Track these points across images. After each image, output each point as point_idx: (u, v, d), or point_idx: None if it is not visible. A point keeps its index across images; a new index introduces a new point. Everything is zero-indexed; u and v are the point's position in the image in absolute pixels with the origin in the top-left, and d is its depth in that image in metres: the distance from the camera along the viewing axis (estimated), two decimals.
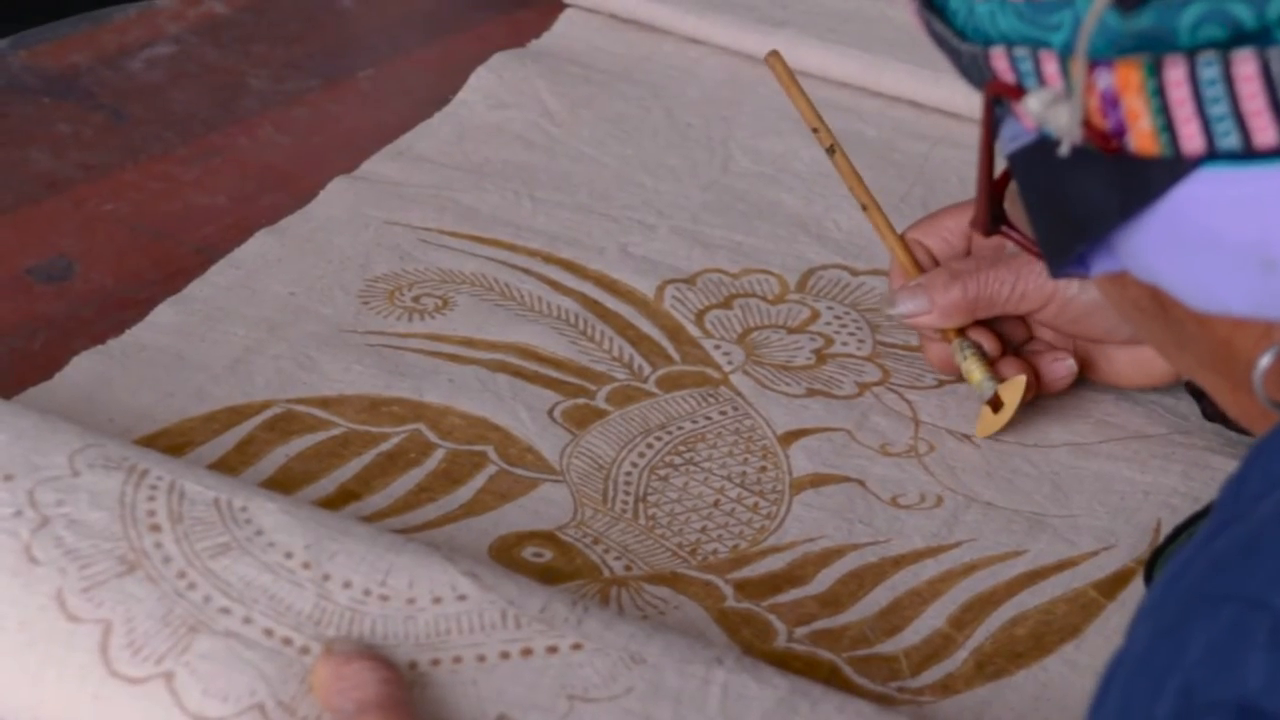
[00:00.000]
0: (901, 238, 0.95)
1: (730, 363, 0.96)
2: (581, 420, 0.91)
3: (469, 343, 0.95)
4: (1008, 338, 0.94)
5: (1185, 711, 0.52)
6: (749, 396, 0.94)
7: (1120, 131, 0.55)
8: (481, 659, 0.72)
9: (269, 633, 0.71)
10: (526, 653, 0.72)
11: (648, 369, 0.95)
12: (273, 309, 0.96)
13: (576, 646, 0.73)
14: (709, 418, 0.92)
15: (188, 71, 1.17)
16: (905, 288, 0.93)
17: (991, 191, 0.66)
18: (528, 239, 1.03)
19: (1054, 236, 0.60)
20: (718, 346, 0.97)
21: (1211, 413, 0.93)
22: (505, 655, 0.72)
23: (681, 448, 0.90)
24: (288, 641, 0.71)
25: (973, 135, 1.13)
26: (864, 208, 0.96)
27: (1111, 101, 0.55)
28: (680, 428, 0.92)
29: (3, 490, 0.74)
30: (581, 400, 0.92)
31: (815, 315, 1.00)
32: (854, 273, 1.03)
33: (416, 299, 0.98)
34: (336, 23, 1.24)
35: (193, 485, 0.76)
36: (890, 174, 1.11)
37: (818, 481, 0.89)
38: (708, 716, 0.72)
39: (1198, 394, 0.94)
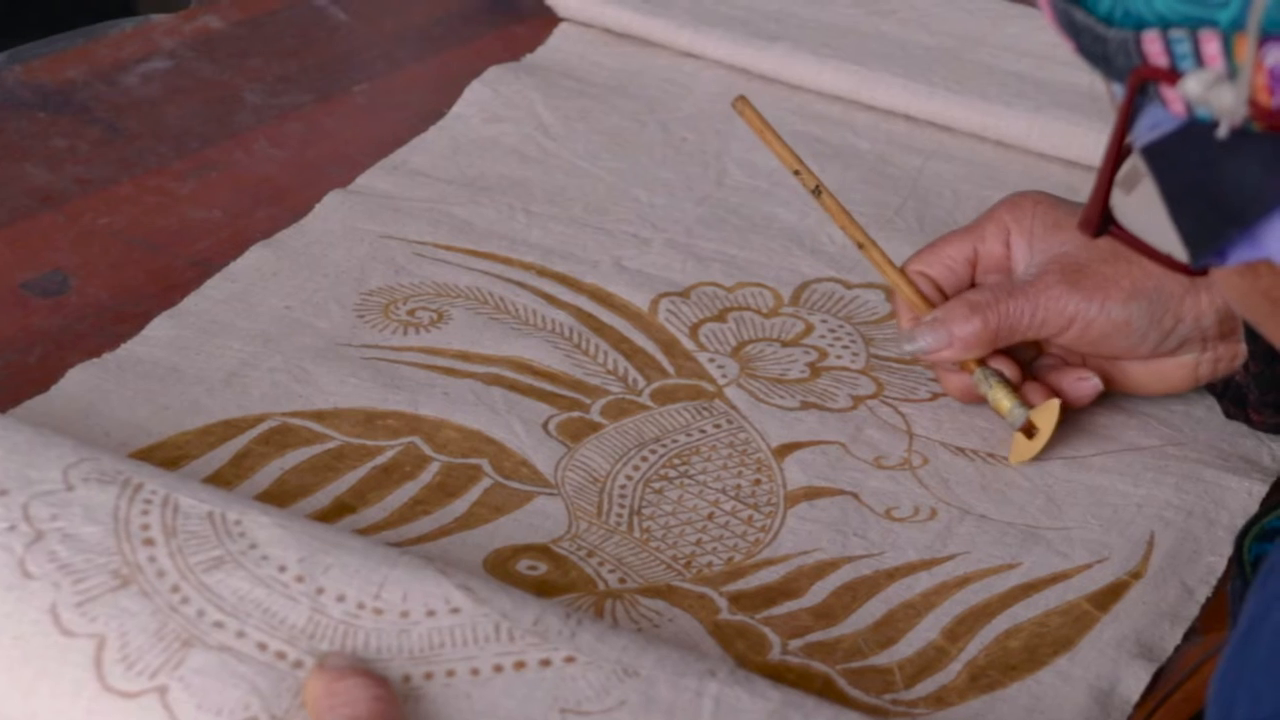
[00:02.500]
0: (903, 272, 0.94)
1: (724, 376, 0.96)
2: (576, 433, 0.91)
3: (464, 356, 0.95)
4: (1018, 355, 0.94)
5: None
6: (743, 410, 0.94)
7: None
8: (475, 672, 0.72)
9: (263, 647, 0.71)
10: (519, 666, 0.72)
11: (642, 382, 0.95)
12: (268, 322, 0.96)
13: (569, 660, 0.73)
14: (703, 431, 0.93)
15: (183, 86, 1.17)
16: (923, 323, 0.92)
17: (1108, 190, 0.64)
18: (522, 253, 1.03)
19: (1201, 225, 0.58)
20: (712, 360, 0.97)
21: (1233, 412, 0.94)
22: (498, 669, 0.72)
23: (676, 461, 0.91)
24: (281, 655, 0.71)
25: (965, 148, 1.15)
26: (860, 246, 0.96)
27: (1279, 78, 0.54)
28: (675, 441, 0.92)
29: None
30: (576, 414, 0.93)
31: (809, 329, 1.00)
32: (848, 286, 1.03)
33: (412, 312, 0.98)
34: (331, 38, 1.24)
35: (187, 499, 0.76)
36: (884, 187, 1.11)
37: (812, 494, 0.89)
38: None
39: (1219, 394, 0.94)
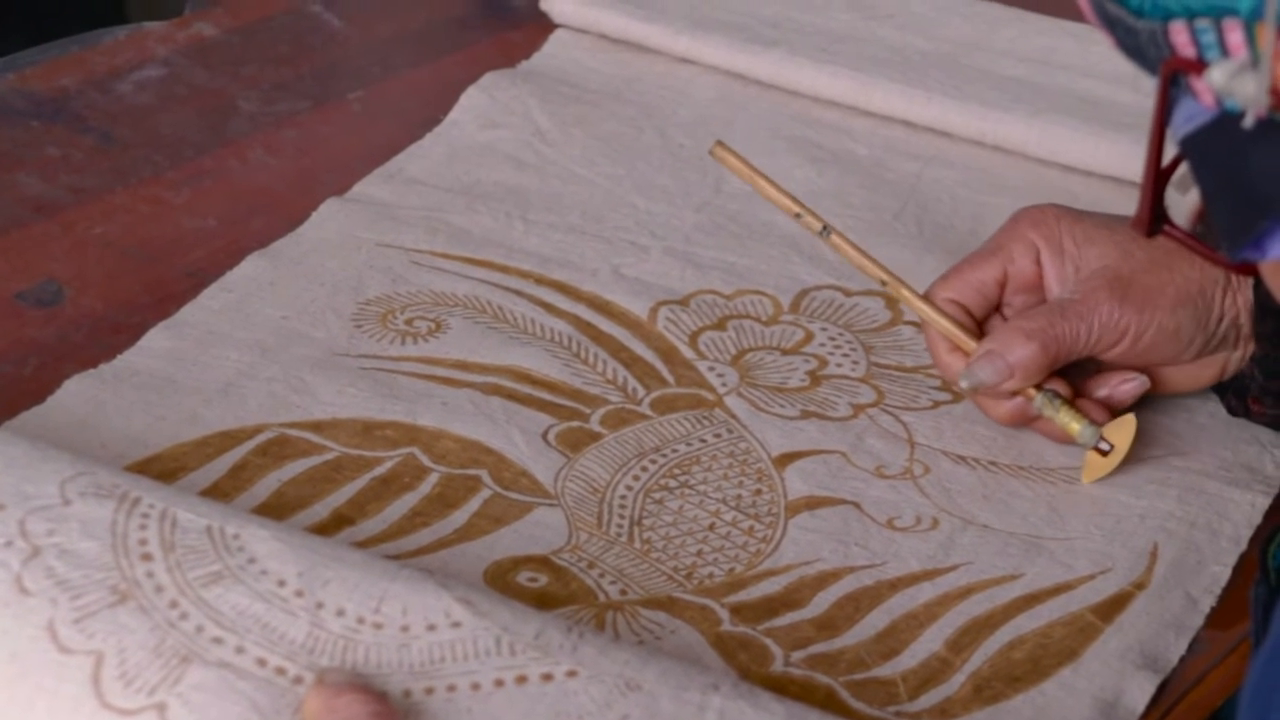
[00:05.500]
0: (936, 305, 0.92)
1: (724, 385, 0.96)
2: (576, 443, 0.91)
3: (462, 366, 0.95)
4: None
5: None
6: (743, 419, 0.93)
7: None
8: (476, 687, 0.71)
9: (262, 662, 0.71)
10: (521, 680, 0.72)
11: (641, 391, 0.95)
12: (265, 332, 0.96)
13: (571, 674, 0.72)
14: (703, 440, 0.92)
15: (177, 94, 1.16)
16: (977, 357, 0.91)
17: (1157, 188, 0.64)
18: (520, 260, 1.03)
19: (1235, 217, 0.58)
20: (712, 368, 0.97)
21: (1234, 405, 0.93)
22: (499, 683, 0.72)
23: (676, 471, 0.90)
24: (281, 671, 0.71)
25: (964, 154, 1.15)
26: (883, 284, 0.94)
27: None
28: (675, 450, 0.91)
29: None
30: (576, 423, 0.92)
31: (809, 337, 0.99)
32: (847, 293, 1.03)
33: (409, 322, 0.97)
34: (326, 44, 1.23)
35: (184, 513, 0.75)
36: (883, 193, 1.11)
37: (813, 504, 0.89)
38: None
39: (1219, 391, 0.94)
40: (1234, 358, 0.92)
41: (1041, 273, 0.93)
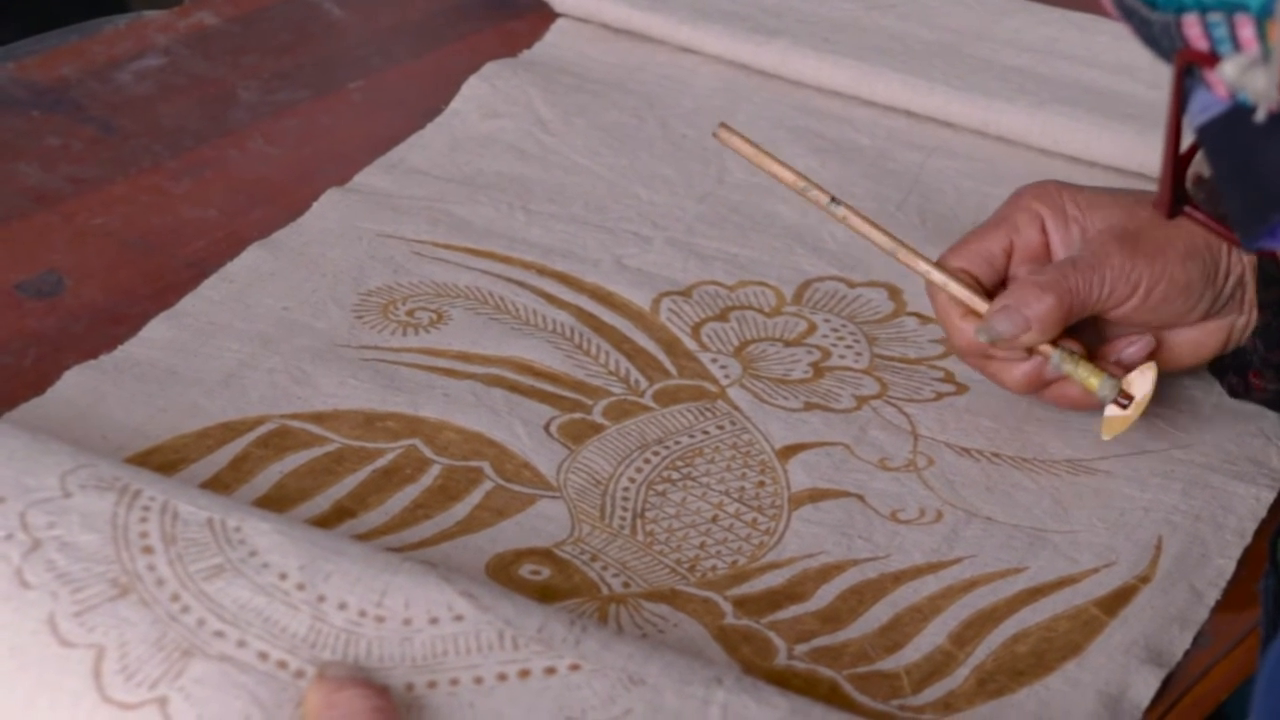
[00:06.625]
0: (948, 268, 0.92)
1: (727, 376, 0.95)
2: (578, 435, 0.91)
3: (464, 357, 0.95)
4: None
5: None
6: (746, 410, 0.93)
7: None
8: (479, 681, 0.71)
9: (263, 656, 0.70)
10: (524, 674, 0.71)
11: (644, 383, 0.94)
12: (266, 323, 0.95)
13: (574, 667, 0.72)
14: (706, 432, 0.92)
15: (177, 84, 1.16)
16: (993, 311, 0.91)
17: (1177, 171, 0.65)
18: (522, 251, 1.02)
19: (1249, 207, 0.59)
20: (714, 360, 0.96)
21: (1236, 387, 0.93)
22: (503, 677, 0.71)
23: (679, 463, 0.90)
24: (283, 665, 0.70)
25: (967, 144, 1.15)
26: (892, 253, 0.94)
27: None
28: (678, 442, 0.91)
29: None
30: (578, 415, 0.92)
31: (812, 328, 0.99)
32: (850, 284, 1.02)
33: (411, 313, 0.97)
34: (327, 34, 1.23)
35: (186, 506, 0.75)
36: (886, 183, 1.11)
37: (816, 496, 0.89)
38: None
39: (1220, 372, 0.94)
40: (1239, 324, 0.92)
41: (1047, 241, 0.93)
